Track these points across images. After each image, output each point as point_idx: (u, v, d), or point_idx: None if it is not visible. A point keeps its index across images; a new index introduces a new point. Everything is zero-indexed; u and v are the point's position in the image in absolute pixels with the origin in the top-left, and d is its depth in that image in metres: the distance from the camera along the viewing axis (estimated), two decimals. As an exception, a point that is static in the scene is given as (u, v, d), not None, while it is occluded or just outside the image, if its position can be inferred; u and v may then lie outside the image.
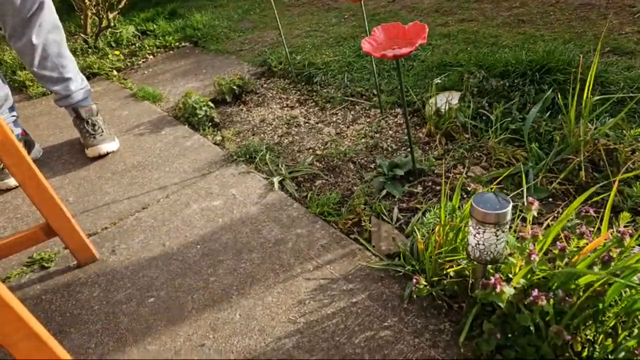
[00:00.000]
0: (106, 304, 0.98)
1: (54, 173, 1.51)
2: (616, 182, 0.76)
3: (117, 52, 2.51)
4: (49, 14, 1.41)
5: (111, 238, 1.17)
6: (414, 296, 0.85)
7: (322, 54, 1.96)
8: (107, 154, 1.55)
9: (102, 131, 1.56)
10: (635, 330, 0.68)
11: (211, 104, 1.67)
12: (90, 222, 1.25)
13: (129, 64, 2.43)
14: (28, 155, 0.95)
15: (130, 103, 1.95)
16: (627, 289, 0.68)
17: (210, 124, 1.63)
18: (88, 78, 2.30)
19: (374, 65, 1.47)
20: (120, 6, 2.64)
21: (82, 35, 2.60)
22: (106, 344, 0.89)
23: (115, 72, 2.31)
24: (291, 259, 1.00)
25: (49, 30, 1.42)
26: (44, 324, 0.70)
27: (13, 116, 1.53)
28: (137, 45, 2.60)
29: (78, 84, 1.56)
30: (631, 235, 0.69)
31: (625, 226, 0.76)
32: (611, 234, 0.71)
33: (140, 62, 2.44)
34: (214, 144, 1.52)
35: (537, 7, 2.04)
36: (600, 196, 0.96)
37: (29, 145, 1.59)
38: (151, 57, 2.50)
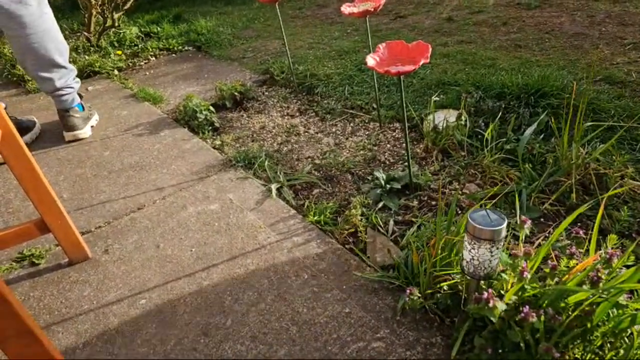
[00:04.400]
0: (96, 304, 0.97)
1: (50, 169, 1.50)
2: (603, 201, 0.79)
3: (119, 52, 2.52)
4: None
5: (105, 237, 1.16)
6: (407, 308, 0.86)
7: (324, 66, 1.99)
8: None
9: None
10: (622, 351, 0.69)
11: (212, 109, 1.68)
12: (84, 220, 1.24)
13: (130, 64, 2.44)
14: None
15: (131, 103, 1.95)
16: (614, 309, 0.70)
17: (210, 128, 1.64)
18: (89, 76, 2.31)
19: (375, 80, 1.50)
20: (125, 7, 2.66)
21: (85, 33, 2.60)
22: (94, 344, 0.88)
23: (116, 72, 2.32)
24: (286, 267, 1.00)
25: None
26: (35, 320, 0.70)
27: None
28: (139, 46, 2.62)
29: None
30: (618, 257, 0.71)
31: (612, 248, 0.78)
32: (600, 255, 0.73)
33: (142, 63, 2.45)
34: (213, 148, 1.53)
35: (533, 33, 2.11)
36: (590, 219, 0.99)
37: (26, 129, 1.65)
38: (153, 58, 2.51)
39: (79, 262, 1.08)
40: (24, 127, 1.67)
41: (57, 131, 1.71)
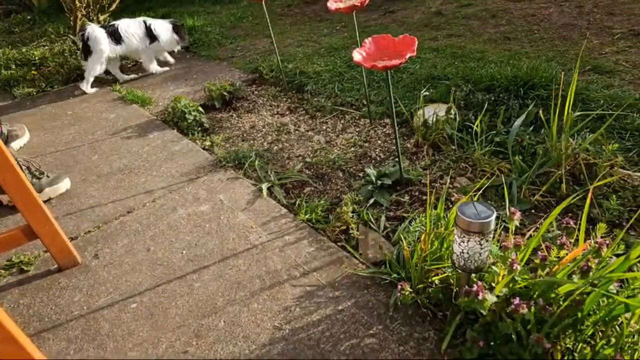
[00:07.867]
0: (87, 309, 0.96)
1: (37, 174, 1.48)
2: (591, 191, 0.79)
3: (106, 55, 2.48)
4: None
5: (94, 242, 1.15)
6: (400, 304, 0.86)
7: (314, 64, 1.98)
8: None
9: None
10: (612, 339, 0.70)
11: (201, 109, 1.67)
12: (73, 225, 1.22)
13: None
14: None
15: (118, 106, 1.93)
16: (605, 299, 0.70)
17: (199, 128, 1.63)
18: (75, 80, 2.28)
19: (364, 76, 1.49)
20: (111, 9, 2.63)
21: (71, 36, 2.57)
22: (85, 350, 0.87)
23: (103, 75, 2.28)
24: (278, 266, 1.00)
25: None
26: (21, 329, 0.69)
27: None
28: (127, 48, 2.58)
29: None
30: (608, 246, 0.71)
31: (602, 237, 0.78)
32: (589, 244, 0.73)
33: (130, 65, 2.42)
34: (203, 149, 1.52)
35: (522, 25, 2.11)
36: (581, 209, 0.99)
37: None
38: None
39: (69, 267, 1.07)
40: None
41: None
